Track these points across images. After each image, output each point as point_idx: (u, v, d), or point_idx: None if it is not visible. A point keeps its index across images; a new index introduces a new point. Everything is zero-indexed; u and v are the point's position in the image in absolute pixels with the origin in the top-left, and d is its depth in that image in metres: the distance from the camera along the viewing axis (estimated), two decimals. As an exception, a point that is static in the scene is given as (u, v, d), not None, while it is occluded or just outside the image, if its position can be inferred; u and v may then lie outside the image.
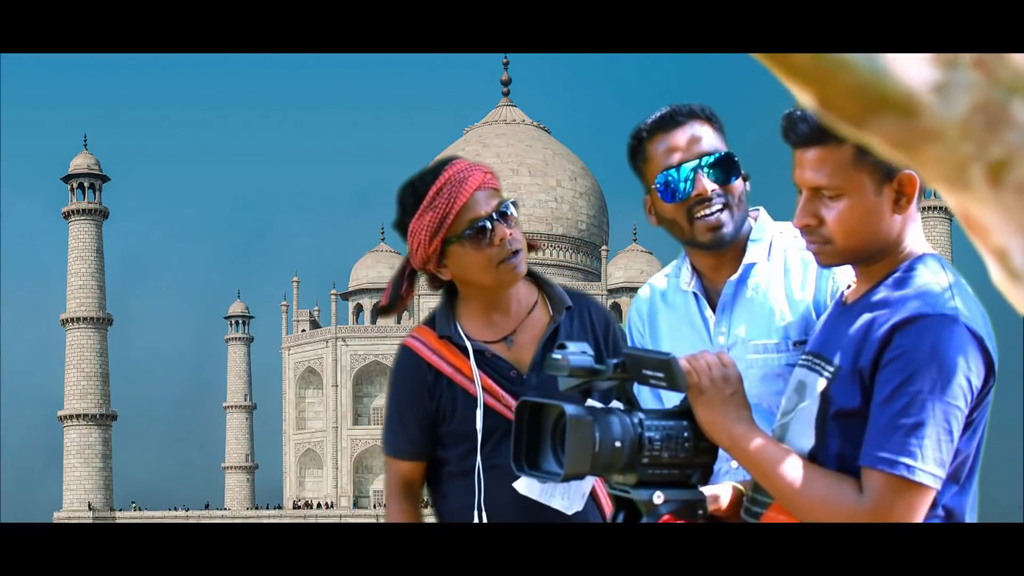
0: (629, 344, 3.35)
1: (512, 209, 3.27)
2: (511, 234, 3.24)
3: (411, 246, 3.31)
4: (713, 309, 3.16)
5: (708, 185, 3.02)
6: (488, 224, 3.22)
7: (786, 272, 3.09)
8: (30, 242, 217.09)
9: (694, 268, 3.20)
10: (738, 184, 3.07)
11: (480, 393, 3.30)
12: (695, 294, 3.19)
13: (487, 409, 3.32)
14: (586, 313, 3.45)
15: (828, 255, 2.41)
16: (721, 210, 3.04)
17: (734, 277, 3.11)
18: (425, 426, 3.38)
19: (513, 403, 3.26)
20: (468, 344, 3.33)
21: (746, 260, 3.11)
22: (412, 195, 3.28)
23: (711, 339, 3.14)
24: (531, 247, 3.36)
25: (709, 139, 3.06)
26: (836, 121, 0.92)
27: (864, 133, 0.93)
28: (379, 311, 3.55)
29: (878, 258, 2.38)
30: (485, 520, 3.29)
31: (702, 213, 3.04)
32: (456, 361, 3.34)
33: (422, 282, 3.47)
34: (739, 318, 3.11)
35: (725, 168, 3.04)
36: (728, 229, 3.05)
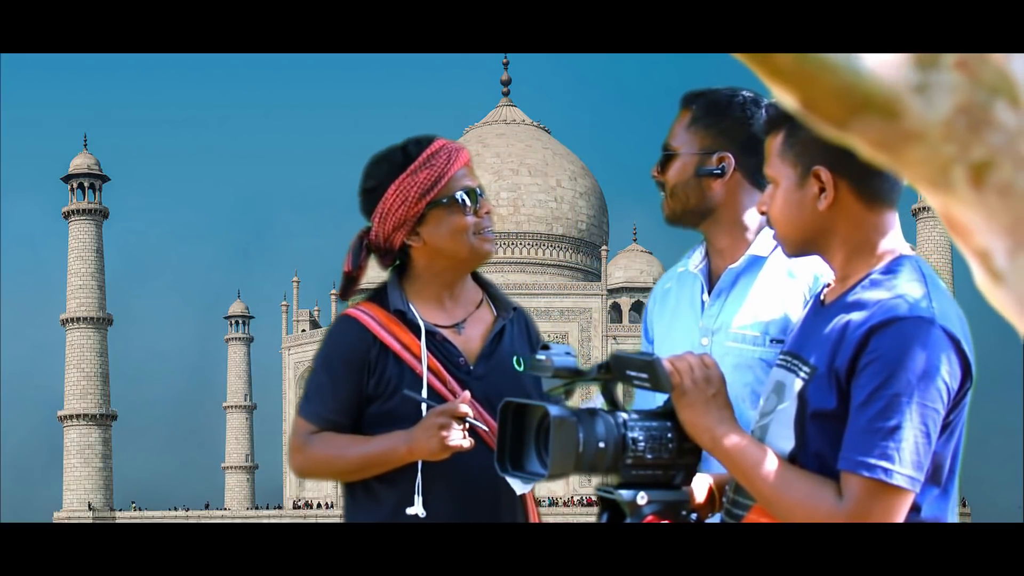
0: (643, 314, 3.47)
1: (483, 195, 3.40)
2: (489, 211, 3.36)
3: (388, 207, 3.28)
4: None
5: None
6: (479, 192, 3.33)
7: (789, 275, 3.10)
8: (30, 242, 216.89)
9: (707, 252, 3.24)
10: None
11: (425, 372, 3.25)
12: (699, 277, 3.23)
13: (433, 392, 3.26)
14: (523, 321, 3.53)
15: (781, 243, 2.46)
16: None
17: (735, 266, 3.14)
18: (353, 402, 3.29)
19: (459, 389, 3.26)
20: (421, 323, 3.31)
21: (750, 252, 3.13)
22: (403, 155, 3.31)
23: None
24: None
25: None
26: (819, 122, 0.93)
27: (847, 134, 0.93)
28: (343, 287, 3.38)
29: (831, 252, 2.39)
30: (422, 511, 3.18)
31: None
32: (405, 339, 3.30)
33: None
34: (731, 306, 3.14)
35: None
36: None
